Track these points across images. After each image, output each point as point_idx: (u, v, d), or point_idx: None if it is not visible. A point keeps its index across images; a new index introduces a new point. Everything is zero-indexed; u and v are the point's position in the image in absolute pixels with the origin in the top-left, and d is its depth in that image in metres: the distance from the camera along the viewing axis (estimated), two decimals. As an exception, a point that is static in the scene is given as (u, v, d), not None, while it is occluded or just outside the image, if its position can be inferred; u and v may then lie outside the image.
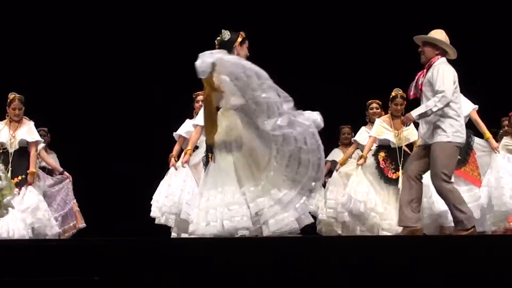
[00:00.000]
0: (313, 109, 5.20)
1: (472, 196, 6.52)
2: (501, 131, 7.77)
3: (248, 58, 5.27)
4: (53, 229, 7.11)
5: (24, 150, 7.08)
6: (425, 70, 5.67)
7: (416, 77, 5.72)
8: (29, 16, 9.38)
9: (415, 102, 5.87)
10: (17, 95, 7.12)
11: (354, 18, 9.42)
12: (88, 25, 9.45)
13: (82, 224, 7.73)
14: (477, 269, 4.07)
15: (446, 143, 5.52)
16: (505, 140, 7.72)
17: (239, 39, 5.31)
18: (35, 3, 9.38)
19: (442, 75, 5.54)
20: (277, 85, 5.07)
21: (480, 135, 6.91)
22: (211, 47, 5.26)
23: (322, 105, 5.36)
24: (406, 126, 6.77)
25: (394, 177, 6.92)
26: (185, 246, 4.59)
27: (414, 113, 5.57)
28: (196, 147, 6.64)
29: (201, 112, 6.28)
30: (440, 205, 6.14)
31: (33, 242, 5.69)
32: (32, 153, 7.05)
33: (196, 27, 9.04)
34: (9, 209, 6.25)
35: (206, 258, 4.19)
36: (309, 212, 5.37)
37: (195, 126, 6.46)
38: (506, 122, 7.82)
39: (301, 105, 5.15)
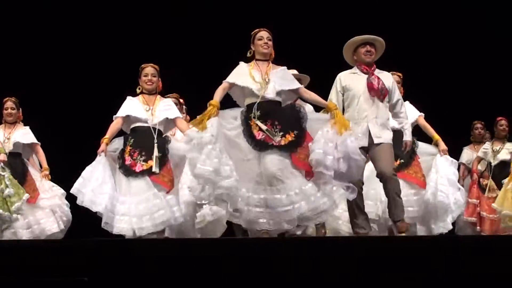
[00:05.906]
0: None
1: (419, 199, 6.61)
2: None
3: None
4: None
5: (18, 154, 7.01)
6: (373, 73, 5.81)
7: (376, 80, 5.77)
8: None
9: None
10: (11, 98, 7.15)
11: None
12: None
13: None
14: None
15: (391, 143, 5.81)
16: (487, 144, 7.89)
17: None
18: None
19: (394, 83, 5.93)
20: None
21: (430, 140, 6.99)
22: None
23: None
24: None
25: None
26: (179, 246, 4.58)
27: (409, 138, 6.02)
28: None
29: (125, 104, 6.06)
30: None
31: (22, 243, 5.66)
32: (40, 152, 7.11)
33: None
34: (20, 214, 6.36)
35: (196, 258, 4.18)
36: None
37: (116, 117, 6.04)
38: (479, 125, 8.20)
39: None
